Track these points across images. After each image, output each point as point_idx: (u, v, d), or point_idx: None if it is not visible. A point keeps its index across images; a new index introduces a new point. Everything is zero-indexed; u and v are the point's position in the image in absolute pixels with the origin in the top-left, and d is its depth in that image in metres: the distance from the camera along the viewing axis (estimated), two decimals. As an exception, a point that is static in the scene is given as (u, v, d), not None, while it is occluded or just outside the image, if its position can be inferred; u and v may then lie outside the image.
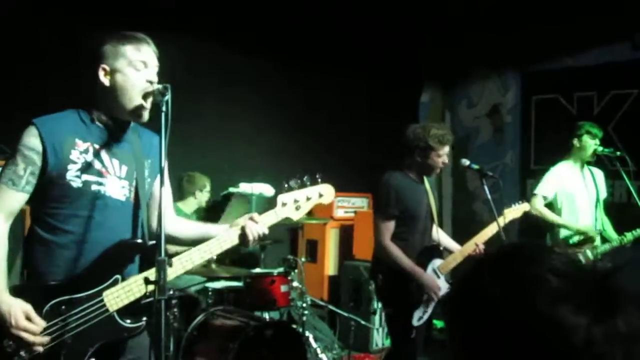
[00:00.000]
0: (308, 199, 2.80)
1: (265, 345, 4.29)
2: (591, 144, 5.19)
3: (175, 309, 4.56)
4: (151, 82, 2.48)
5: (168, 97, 2.36)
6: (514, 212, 4.65)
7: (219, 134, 6.25)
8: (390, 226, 4.17)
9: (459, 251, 4.43)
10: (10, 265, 2.43)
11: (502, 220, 4.32)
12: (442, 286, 4.23)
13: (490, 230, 4.40)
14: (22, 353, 2.30)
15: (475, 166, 4.41)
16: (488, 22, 7.27)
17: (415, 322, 4.14)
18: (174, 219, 2.83)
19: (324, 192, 2.84)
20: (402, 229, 4.21)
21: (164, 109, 2.34)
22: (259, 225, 2.65)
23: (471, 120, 8.18)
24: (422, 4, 7.27)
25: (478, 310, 0.97)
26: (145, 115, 2.54)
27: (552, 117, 7.21)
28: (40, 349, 2.31)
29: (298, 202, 2.77)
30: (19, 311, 2.28)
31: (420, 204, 4.28)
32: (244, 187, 6.05)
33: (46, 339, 2.32)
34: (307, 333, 5.04)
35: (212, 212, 5.73)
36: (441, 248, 4.43)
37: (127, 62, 2.48)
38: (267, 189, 6.04)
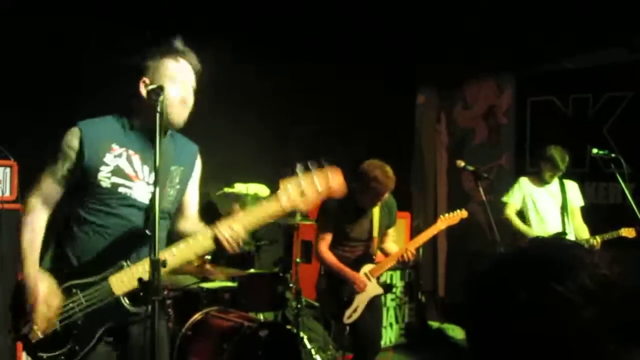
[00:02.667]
0: (314, 184, 2.56)
1: (260, 346, 4.29)
2: (549, 172, 5.48)
3: (170, 309, 4.56)
4: (184, 102, 2.68)
5: (162, 97, 2.41)
6: (450, 219, 4.84)
7: (214, 135, 6.23)
8: (326, 237, 4.61)
9: (390, 256, 4.76)
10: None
11: (437, 227, 4.77)
12: (373, 288, 4.68)
13: (424, 237, 4.74)
14: (38, 332, 2.52)
15: (470, 168, 4.47)
16: (483, 24, 7.28)
17: (345, 320, 4.58)
18: (193, 217, 3.02)
19: (331, 176, 2.58)
20: (338, 239, 4.64)
21: (158, 109, 2.39)
22: (233, 232, 2.55)
23: (467, 122, 8.18)
24: (418, 6, 7.27)
25: (500, 321, 0.95)
26: (181, 123, 2.72)
27: (547, 119, 7.22)
28: (52, 325, 2.52)
29: (302, 187, 2.56)
30: (43, 291, 2.49)
31: (354, 223, 4.64)
32: (239, 188, 6.04)
33: (55, 321, 2.52)
34: (301, 334, 5.04)
35: (206, 212, 5.71)
36: (373, 255, 4.78)
37: (167, 77, 2.63)
38: (262, 190, 6.04)
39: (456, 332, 7.15)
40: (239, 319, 4.48)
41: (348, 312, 4.58)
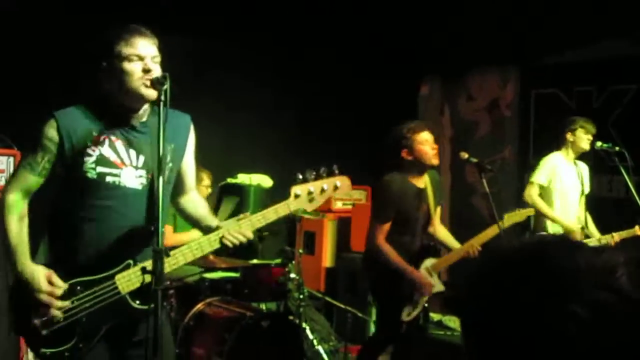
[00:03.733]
0: (323, 191, 2.75)
1: (262, 337, 4.30)
2: (584, 137, 5.24)
3: (173, 299, 4.56)
4: (148, 71, 2.53)
5: (167, 86, 2.40)
6: (515, 216, 4.63)
7: (218, 125, 6.23)
8: (384, 228, 4.18)
9: (454, 251, 4.45)
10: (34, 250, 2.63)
11: (502, 224, 4.33)
12: (435, 284, 4.30)
13: (489, 233, 4.39)
14: (42, 329, 2.49)
15: (474, 160, 4.42)
16: (488, 16, 7.25)
17: (404, 317, 4.20)
18: (193, 192, 2.97)
19: (340, 184, 2.78)
20: (396, 229, 4.21)
21: (162, 97, 2.39)
22: (237, 233, 2.67)
23: (470, 114, 8.16)
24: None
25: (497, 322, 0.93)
26: (152, 95, 2.52)
27: (551, 112, 7.19)
28: (59, 314, 2.48)
29: (312, 193, 2.73)
30: (42, 276, 2.47)
31: (417, 207, 4.28)
32: (242, 178, 6.04)
33: (66, 303, 2.50)
34: (303, 325, 5.04)
35: (209, 202, 5.72)
36: (438, 247, 4.47)
37: (121, 58, 2.53)
38: (265, 180, 6.03)
39: (457, 324, 7.16)
40: (241, 310, 4.48)
41: (407, 309, 4.21)
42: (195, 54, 5.93)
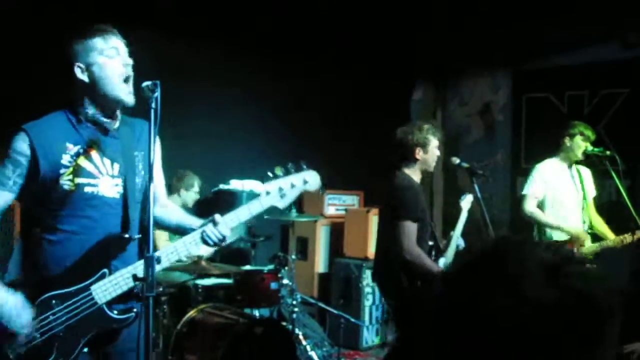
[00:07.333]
0: (293, 186, 2.81)
1: (255, 343, 4.29)
2: (582, 145, 5.17)
3: (165, 306, 4.55)
4: (127, 65, 2.54)
5: (157, 93, 2.37)
6: (464, 204, 4.81)
7: (211, 131, 6.23)
8: (415, 229, 4.03)
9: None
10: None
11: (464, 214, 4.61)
12: None
13: (458, 227, 4.60)
14: (17, 349, 2.39)
15: (465, 164, 4.44)
16: (479, 20, 7.27)
17: None
18: (165, 202, 2.94)
19: (308, 179, 2.85)
20: (418, 232, 4.10)
21: (153, 105, 2.37)
22: (217, 229, 2.65)
23: (462, 119, 8.18)
24: (415, 3, 7.27)
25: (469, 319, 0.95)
26: (131, 99, 2.55)
27: (543, 116, 7.23)
28: (23, 339, 2.39)
29: (283, 190, 2.80)
30: (12, 307, 2.37)
31: (427, 209, 4.32)
32: (235, 184, 6.04)
33: (31, 330, 2.39)
34: (296, 330, 5.04)
35: (201, 209, 5.72)
36: (442, 246, 4.49)
37: (98, 53, 2.53)
38: (258, 186, 6.03)
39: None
40: (234, 316, 4.48)
41: None
42: (187, 61, 5.92)
